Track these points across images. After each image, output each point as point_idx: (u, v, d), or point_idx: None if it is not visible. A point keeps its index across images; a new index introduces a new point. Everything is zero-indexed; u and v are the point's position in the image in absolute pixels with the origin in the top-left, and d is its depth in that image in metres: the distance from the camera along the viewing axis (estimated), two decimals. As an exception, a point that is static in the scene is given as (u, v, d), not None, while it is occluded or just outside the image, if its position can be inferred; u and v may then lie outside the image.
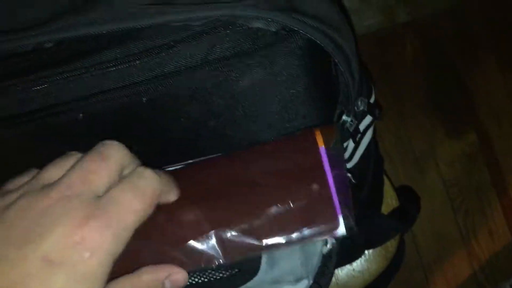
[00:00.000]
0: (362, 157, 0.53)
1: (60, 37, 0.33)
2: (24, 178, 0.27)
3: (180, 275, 0.28)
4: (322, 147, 0.33)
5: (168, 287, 0.28)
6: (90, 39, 0.36)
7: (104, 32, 0.32)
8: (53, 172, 0.26)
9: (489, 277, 1.19)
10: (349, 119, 0.40)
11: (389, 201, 0.76)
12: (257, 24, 0.32)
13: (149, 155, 0.39)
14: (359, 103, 0.45)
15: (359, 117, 0.46)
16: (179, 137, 0.38)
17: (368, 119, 0.49)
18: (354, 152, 0.50)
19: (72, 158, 0.27)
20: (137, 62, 0.35)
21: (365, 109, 0.45)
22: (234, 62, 0.35)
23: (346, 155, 0.49)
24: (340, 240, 0.41)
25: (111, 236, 0.24)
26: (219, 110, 0.37)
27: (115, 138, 0.38)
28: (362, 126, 0.48)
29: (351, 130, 0.43)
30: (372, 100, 0.51)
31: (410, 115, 1.23)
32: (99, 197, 0.25)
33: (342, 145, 0.44)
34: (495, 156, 1.22)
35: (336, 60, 0.35)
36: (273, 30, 0.32)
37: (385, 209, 0.75)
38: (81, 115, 0.36)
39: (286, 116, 0.38)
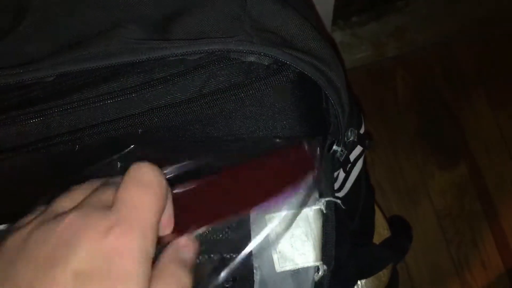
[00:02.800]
0: (353, 186, 0.54)
1: (60, 72, 0.35)
2: (35, 213, 0.27)
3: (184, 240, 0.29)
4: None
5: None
6: (88, 72, 0.37)
7: (102, 66, 0.33)
8: (63, 203, 0.27)
9: (484, 309, 1.19)
10: (339, 149, 0.41)
11: (381, 231, 0.77)
12: (250, 58, 0.33)
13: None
14: (349, 133, 0.46)
15: (350, 147, 0.47)
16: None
17: (358, 149, 0.50)
18: (345, 182, 0.51)
19: (77, 190, 0.28)
20: (134, 95, 0.36)
21: (355, 140, 0.47)
22: (228, 95, 0.36)
23: (337, 185, 0.50)
24: (332, 269, 0.42)
25: (137, 236, 0.24)
26: (213, 142, 0.38)
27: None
28: (352, 156, 0.49)
29: (341, 160, 0.44)
30: (362, 131, 0.52)
31: (401, 147, 1.25)
32: (109, 206, 0.25)
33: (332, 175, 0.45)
34: (486, 188, 1.23)
35: (327, 93, 0.36)
36: (265, 64, 0.34)
37: (377, 239, 0.75)
38: (77, 146, 0.37)
39: (281, 147, 0.39)
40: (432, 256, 1.21)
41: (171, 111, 0.36)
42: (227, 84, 0.35)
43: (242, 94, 0.36)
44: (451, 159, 1.25)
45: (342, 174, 0.49)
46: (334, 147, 0.41)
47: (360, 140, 0.48)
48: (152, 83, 0.36)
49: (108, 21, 0.34)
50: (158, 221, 0.25)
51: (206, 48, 0.32)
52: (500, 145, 1.25)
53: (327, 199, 0.38)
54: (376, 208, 0.76)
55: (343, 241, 0.58)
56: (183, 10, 0.34)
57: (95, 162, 0.38)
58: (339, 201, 0.39)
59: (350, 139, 0.46)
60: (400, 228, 0.77)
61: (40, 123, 0.38)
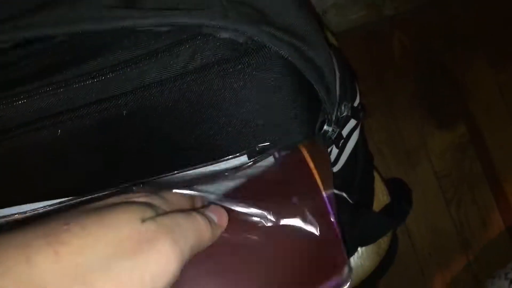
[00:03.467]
0: (348, 159, 0.52)
1: (18, 37, 0.32)
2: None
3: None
4: (324, 195, 0.34)
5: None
6: (67, 49, 0.35)
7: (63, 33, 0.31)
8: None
9: (484, 267, 1.19)
10: (330, 129, 0.40)
11: (380, 197, 0.76)
12: (224, 35, 0.31)
13: (133, 168, 0.39)
14: (343, 108, 0.45)
15: (343, 123, 0.45)
16: (163, 149, 0.38)
17: (353, 122, 0.48)
18: (339, 157, 0.49)
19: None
20: (115, 73, 0.35)
21: (349, 114, 0.45)
22: (215, 71, 0.34)
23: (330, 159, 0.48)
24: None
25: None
26: (203, 119, 0.36)
27: (98, 153, 0.38)
28: (346, 130, 0.48)
29: (333, 138, 0.43)
30: (356, 103, 0.51)
31: (399, 108, 1.23)
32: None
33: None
34: (485, 147, 1.22)
35: (305, 75, 0.34)
36: (240, 41, 0.32)
37: (376, 205, 0.75)
38: (59, 131, 0.36)
39: (271, 126, 0.37)
40: (432, 216, 1.21)
41: (157, 90, 0.35)
42: (214, 59, 0.33)
43: (230, 69, 0.34)
44: (451, 120, 1.23)
45: (335, 150, 0.47)
46: (325, 127, 0.40)
47: (354, 113, 0.47)
48: (134, 60, 0.34)
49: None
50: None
51: (178, 21, 0.30)
52: (500, 105, 1.23)
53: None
54: (375, 173, 0.75)
55: (342, 214, 0.57)
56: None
57: (81, 149, 0.37)
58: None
59: (344, 114, 0.45)
60: (400, 192, 0.76)
61: (22, 106, 0.36)
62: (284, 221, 0.33)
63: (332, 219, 0.34)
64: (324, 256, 0.35)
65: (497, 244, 1.20)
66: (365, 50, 1.24)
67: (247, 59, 0.32)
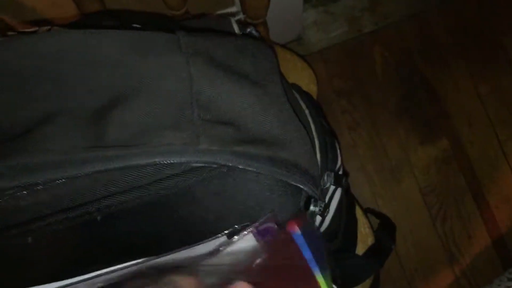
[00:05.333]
0: (333, 218, 0.51)
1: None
2: None
3: None
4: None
5: None
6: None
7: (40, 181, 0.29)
8: None
9: (471, 281, 1.20)
10: (316, 209, 0.38)
11: (362, 230, 0.75)
12: (197, 164, 0.29)
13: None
14: (325, 178, 0.43)
15: (326, 191, 0.44)
16: (139, 249, 0.36)
17: (333, 187, 0.47)
18: (323, 220, 0.48)
19: None
20: (88, 180, 0.33)
21: (332, 183, 0.44)
22: (192, 184, 0.33)
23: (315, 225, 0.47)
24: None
25: None
26: (184, 220, 0.35)
27: (71, 260, 0.36)
28: (328, 195, 0.47)
29: (319, 213, 0.42)
30: (338, 165, 0.49)
31: (383, 124, 1.23)
32: None
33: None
34: (469, 160, 1.22)
35: (288, 181, 0.33)
36: (214, 166, 0.30)
37: (359, 237, 0.74)
38: (29, 238, 0.34)
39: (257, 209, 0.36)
40: (418, 232, 1.21)
41: (128, 196, 0.33)
42: (190, 182, 0.31)
43: (205, 174, 0.32)
44: (433, 134, 1.23)
45: (319, 217, 0.46)
46: (311, 207, 0.38)
47: (337, 181, 0.45)
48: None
49: (38, 113, 0.30)
50: None
51: (143, 163, 0.28)
52: (482, 117, 1.23)
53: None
54: (357, 207, 0.74)
55: (328, 262, 0.56)
56: (121, 97, 0.30)
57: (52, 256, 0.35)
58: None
59: (327, 185, 0.43)
60: (384, 229, 0.75)
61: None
62: None
63: None
64: None
65: (483, 257, 1.21)
66: (347, 66, 1.23)
67: (221, 181, 0.31)
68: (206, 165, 0.29)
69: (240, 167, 0.29)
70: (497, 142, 1.23)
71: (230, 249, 0.36)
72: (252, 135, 0.31)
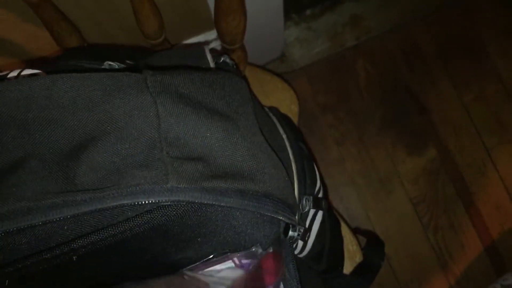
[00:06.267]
0: (316, 239, 0.51)
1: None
2: None
3: None
4: None
5: None
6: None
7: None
8: None
9: (465, 289, 1.20)
10: (295, 234, 0.38)
11: (350, 248, 0.75)
12: (166, 203, 0.30)
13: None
14: (304, 202, 0.44)
15: (305, 215, 0.44)
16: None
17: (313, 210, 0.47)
18: (305, 244, 0.48)
19: None
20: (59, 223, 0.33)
21: (311, 207, 0.44)
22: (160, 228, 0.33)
23: (297, 250, 0.47)
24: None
25: None
26: (159, 254, 0.35)
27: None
28: (308, 219, 0.47)
29: (300, 238, 0.42)
30: (317, 188, 0.50)
31: (370, 137, 1.23)
32: None
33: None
34: (457, 169, 1.23)
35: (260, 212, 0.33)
36: (183, 204, 0.30)
37: (346, 254, 0.74)
38: (6, 281, 0.34)
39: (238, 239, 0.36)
40: (410, 243, 1.21)
41: (101, 235, 0.33)
42: (159, 221, 0.32)
43: (178, 211, 0.32)
44: (421, 144, 1.24)
45: (300, 242, 0.46)
46: (290, 233, 0.38)
47: (317, 204, 0.46)
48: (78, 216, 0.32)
49: (7, 160, 0.30)
50: None
51: (113, 204, 0.28)
52: (468, 125, 1.24)
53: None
54: (343, 224, 0.74)
55: (314, 286, 0.56)
56: (91, 138, 0.30)
57: None
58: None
59: (306, 209, 0.44)
60: (372, 246, 0.75)
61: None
62: None
63: None
64: None
65: (476, 265, 1.21)
66: (332, 82, 1.24)
67: (189, 221, 0.31)
68: (174, 203, 0.30)
69: (209, 203, 0.29)
70: (484, 149, 1.24)
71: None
72: (222, 170, 0.32)
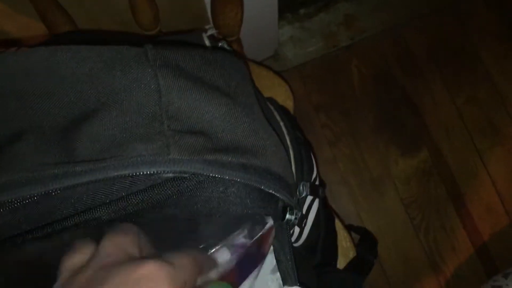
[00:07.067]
0: (311, 230, 0.51)
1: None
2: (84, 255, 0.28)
3: None
4: None
5: None
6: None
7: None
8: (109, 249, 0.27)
9: (456, 290, 1.20)
10: (293, 217, 0.38)
11: (344, 244, 0.75)
12: (168, 175, 0.29)
13: None
14: (301, 188, 0.43)
15: (302, 201, 0.44)
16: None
17: (311, 197, 0.47)
18: (301, 232, 0.48)
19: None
20: (56, 200, 0.32)
21: (308, 193, 0.44)
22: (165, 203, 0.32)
23: (293, 237, 0.47)
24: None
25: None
26: (157, 235, 0.34)
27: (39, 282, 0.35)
28: (305, 207, 0.46)
29: (296, 222, 0.41)
30: (314, 176, 0.49)
31: (363, 137, 1.24)
32: None
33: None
34: (449, 171, 1.23)
35: (262, 187, 0.32)
36: (186, 176, 0.30)
37: (340, 251, 0.73)
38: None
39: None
40: (402, 244, 1.21)
41: (98, 213, 0.32)
42: (163, 196, 0.31)
43: (177, 188, 0.31)
44: (413, 146, 1.24)
45: (297, 228, 0.46)
46: (287, 216, 0.38)
47: (313, 191, 0.45)
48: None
49: (6, 132, 0.29)
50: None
51: (114, 174, 0.27)
52: (460, 127, 1.24)
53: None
54: (337, 220, 0.73)
55: (308, 277, 0.56)
56: (91, 110, 0.30)
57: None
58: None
59: (303, 195, 0.43)
60: (365, 242, 0.75)
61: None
62: None
63: None
64: None
65: (467, 267, 1.21)
66: (325, 81, 1.24)
67: (194, 194, 0.30)
68: (177, 175, 0.29)
69: (212, 175, 0.29)
70: (476, 152, 1.24)
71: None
72: (224, 144, 0.31)
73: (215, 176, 0.29)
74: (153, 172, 0.28)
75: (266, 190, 0.33)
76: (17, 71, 0.30)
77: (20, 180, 0.27)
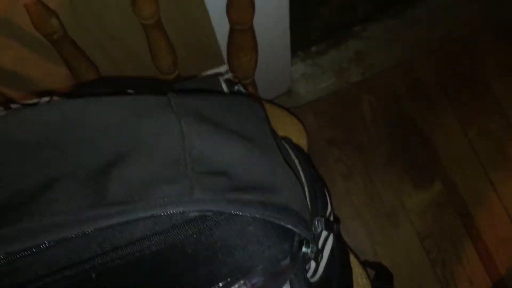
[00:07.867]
0: (327, 265, 0.52)
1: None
2: None
3: None
4: None
5: None
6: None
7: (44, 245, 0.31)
8: None
9: (475, 325, 1.19)
10: (309, 250, 0.40)
11: (359, 281, 0.76)
12: (193, 214, 0.31)
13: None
14: (316, 223, 0.45)
15: (318, 236, 0.46)
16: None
17: (326, 232, 0.49)
18: (317, 267, 0.49)
19: None
20: (83, 239, 0.34)
21: (323, 229, 0.45)
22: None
23: (309, 273, 0.48)
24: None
25: None
26: (175, 274, 0.36)
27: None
28: (321, 242, 0.48)
29: (312, 256, 0.43)
30: (328, 212, 0.51)
31: (376, 171, 1.25)
32: None
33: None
34: (463, 203, 1.23)
35: (282, 224, 0.34)
36: (210, 214, 0.32)
37: (355, 288, 0.74)
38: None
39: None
40: (418, 278, 1.20)
41: (121, 253, 0.34)
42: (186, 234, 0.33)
43: (196, 228, 0.34)
44: (426, 179, 1.25)
45: (313, 263, 0.47)
46: (304, 249, 0.40)
47: (328, 226, 0.47)
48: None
49: (41, 179, 0.32)
50: None
51: (143, 215, 0.30)
52: (473, 159, 1.25)
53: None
54: (352, 257, 0.74)
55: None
56: (121, 156, 0.32)
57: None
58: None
59: (318, 230, 0.45)
60: (381, 278, 0.76)
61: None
62: None
63: None
64: None
65: (485, 301, 1.20)
66: (337, 116, 1.27)
67: (215, 232, 0.32)
68: (201, 213, 0.31)
69: (234, 212, 0.31)
70: (490, 183, 1.25)
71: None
72: (243, 183, 0.33)
73: (236, 213, 0.32)
74: (180, 211, 0.30)
75: (284, 225, 0.34)
76: (53, 122, 0.33)
77: (56, 223, 0.29)
